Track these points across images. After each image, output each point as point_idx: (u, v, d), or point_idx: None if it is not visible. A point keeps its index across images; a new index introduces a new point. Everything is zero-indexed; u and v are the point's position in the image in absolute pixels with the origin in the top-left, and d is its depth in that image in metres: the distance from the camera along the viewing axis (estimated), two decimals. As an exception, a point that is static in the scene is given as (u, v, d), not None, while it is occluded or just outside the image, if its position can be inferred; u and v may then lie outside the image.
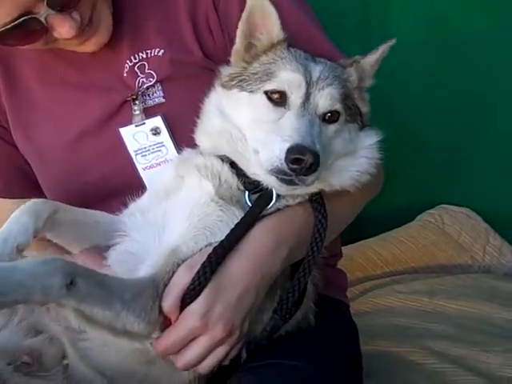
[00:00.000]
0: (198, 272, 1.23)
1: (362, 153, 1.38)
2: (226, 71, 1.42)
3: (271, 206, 1.32)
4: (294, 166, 1.18)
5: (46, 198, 1.72)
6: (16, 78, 1.63)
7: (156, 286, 1.24)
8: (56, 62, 1.60)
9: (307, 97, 1.29)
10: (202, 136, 1.42)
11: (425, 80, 2.68)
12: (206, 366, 1.26)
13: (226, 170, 1.35)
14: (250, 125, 1.32)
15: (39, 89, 1.62)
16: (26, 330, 1.31)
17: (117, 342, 1.25)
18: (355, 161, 1.37)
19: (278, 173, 1.21)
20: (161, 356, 1.27)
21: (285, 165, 1.18)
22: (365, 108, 1.43)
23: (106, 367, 1.30)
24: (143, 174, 1.55)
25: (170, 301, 1.23)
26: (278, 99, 1.30)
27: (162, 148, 1.54)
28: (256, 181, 1.32)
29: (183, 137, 1.49)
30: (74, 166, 1.57)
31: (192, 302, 1.23)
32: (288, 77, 1.31)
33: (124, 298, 1.18)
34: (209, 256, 1.24)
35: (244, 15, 1.36)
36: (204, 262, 1.23)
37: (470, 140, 2.76)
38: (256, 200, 1.32)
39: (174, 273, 1.26)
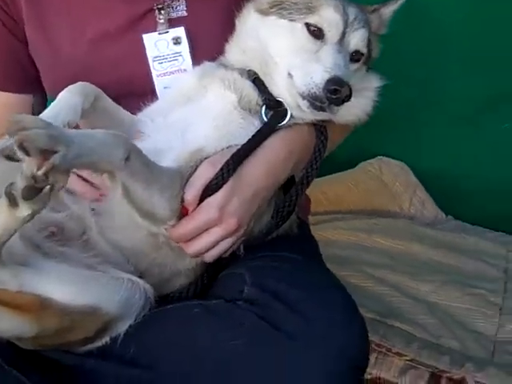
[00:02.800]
0: (222, 169, 1.36)
1: (368, 93, 1.56)
2: None
3: (284, 123, 1.47)
4: (332, 96, 1.33)
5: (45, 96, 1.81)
6: None
7: (182, 176, 1.35)
8: None
9: (343, 35, 1.45)
10: (234, 49, 1.55)
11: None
12: (211, 255, 1.40)
13: (247, 85, 1.49)
14: (286, 50, 1.45)
15: None
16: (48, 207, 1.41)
17: (133, 226, 1.37)
18: (361, 100, 1.54)
19: (312, 98, 1.36)
20: (174, 241, 1.39)
21: (322, 93, 1.34)
22: (375, 53, 1.60)
23: (122, 246, 1.41)
24: (156, 81, 1.65)
25: (193, 192, 1.35)
26: (317, 32, 1.44)
27: (179, 58, 1.64)
28: (275, 99, 1.47)
29: (199, 51, 1.62)
30: (92, 65, 1.63)
31: (210, 195, 1.36)
32: (329, 16, 1.44)
33: (162, 181, 1.30)
34: (232, 156, 1.38)
35: None
36: (227, 161, 1.37)
37: (409, 100, 2.98)
38: (272, 115, 1.47)
39: (196, 168, 1.38)
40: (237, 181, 1.38)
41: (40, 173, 0.99)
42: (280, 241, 1.61)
